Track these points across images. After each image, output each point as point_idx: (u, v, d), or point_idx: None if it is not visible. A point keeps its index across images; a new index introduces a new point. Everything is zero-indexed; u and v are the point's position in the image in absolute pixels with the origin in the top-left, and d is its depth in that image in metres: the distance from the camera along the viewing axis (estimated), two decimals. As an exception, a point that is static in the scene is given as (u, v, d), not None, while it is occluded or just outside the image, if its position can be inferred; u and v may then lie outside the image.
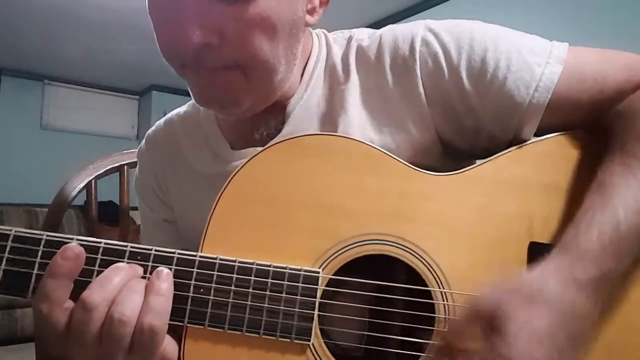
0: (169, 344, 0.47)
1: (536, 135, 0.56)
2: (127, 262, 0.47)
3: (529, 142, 0.55)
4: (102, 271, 0.45)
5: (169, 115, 0.74)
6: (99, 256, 0.46)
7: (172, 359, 0.47)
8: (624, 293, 0.49)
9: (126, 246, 0.47)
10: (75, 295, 0.44)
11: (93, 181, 0.98)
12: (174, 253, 0.47)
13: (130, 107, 4.94)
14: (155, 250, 0.47)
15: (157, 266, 0.47)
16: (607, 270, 0.43)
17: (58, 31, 3.45)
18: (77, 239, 0.46)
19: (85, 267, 0.45)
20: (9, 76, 4.27)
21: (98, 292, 0.43)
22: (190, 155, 0.68)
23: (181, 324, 0.47)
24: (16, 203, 3.70)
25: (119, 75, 4.43)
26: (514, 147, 0.54)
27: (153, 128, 0.75)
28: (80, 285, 0.44)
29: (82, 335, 0.42)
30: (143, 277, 0.46)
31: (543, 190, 0.52)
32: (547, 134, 0.55)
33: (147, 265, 0.47)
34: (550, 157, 0.53)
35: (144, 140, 0.75)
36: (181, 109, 0.74)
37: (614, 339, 0.48)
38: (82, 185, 0.97)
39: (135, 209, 0.80)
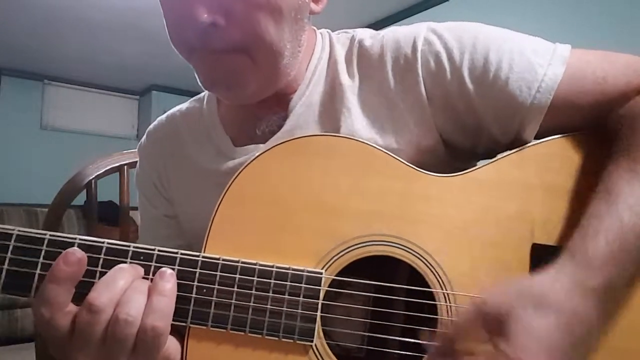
0: (171, 345, 0.47)
1: (537, 137, 0.56)
2: (130, 262, 0.46)
3: (531, 144, 0.54)
4: (104, 272, 0.45)
5: (170, 111, 0.75)
6: (102, 256, 0.46)
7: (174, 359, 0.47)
8: (627, 298, 0.49)
9: (129, 246, 0.47)
10: (77, 295, 0.44)
11: (93, 181, 0.98)
12: (176, 253, 0.47)
13: (130, 107, 4.93)
14: (159, 251, 0.47)
15: (160, 266, 0.47)
16: (613, 278, 0.43)
17: (58, 31, 3.45)
18: (80, 239, 0.46)
19: (88, 267, 0.45)
20: (9, 76, 4.26)
21: (105, 294, 0.43)
22: (192, 151, 0.68)
23: (184, 324, 0.47)
24: (16, 203, 3.69)
25: (119, 75, 4.42)
26: (516, 149, 0.54)
27: (154, 123, 0.75)
28: (81, 286, 0.44)
29: (87, 338, 0.42)
30: (145, 278, 0.46)
31: (545, 193, 0.52)
32: (548, 136, 0.54)
33: (150, 266, 0.47)
34: (553, 159, 0.53)
35: (145, 136, 0.75)
36: (183, 106, 0.74)
37: (618, 344, 0.48)
38: (82, 185, 0.97)
39: (136, 209, 0.80)
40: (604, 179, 0.48)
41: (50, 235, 0.46)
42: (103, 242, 0.47)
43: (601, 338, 0.44)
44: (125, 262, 0.46)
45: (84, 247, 0.46)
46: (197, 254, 0.48)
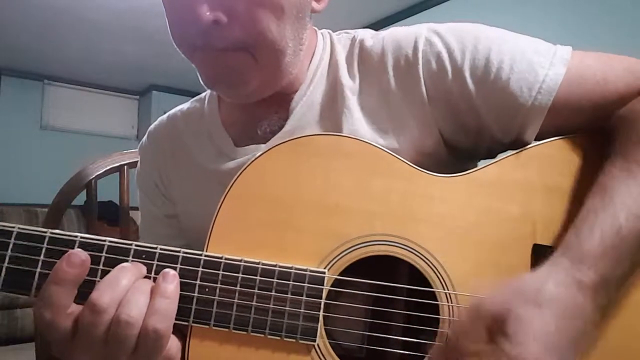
0: (173, 345, 0.47)
1: (538, 139, 0.56)
2: (132, 261, 0.46)
3: (533, 144, 0.54)
4: (106, 270, 0.45)
5: (171, 112, 0.75)
6: (104, 254, 0.46)
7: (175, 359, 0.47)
8: (626, 297, 0.49)
9: (131, 244, 0.47)
10: (78, 294, 0.43)
11: (93, 181, 0.98)
12: (179, 252, 0.47)
13: (130, 107, 4.94)
14: (161, 249, 0.47)
15: (163, 265, 0.46)
16: (607, 274, 0.43)
17: (58, 31, 3.45)
18: (81, 237, 0.46)
19: (90, 266, 0.45)
20: (9, 76, 4.26)
21: (108, 294, 0.42)
22: (193, 151, 0.68)
23: (186, 323, 0.46)
24: (16, 203, 3.69)
25: (119, 75, 4.42)
26: (518, 150, 0.54)
27: (156, 123, 0.75)
28: (82, 284, 0.44)
29: (90, 338, 0.42)
30: (147, 277, 0.46)
31: (547, 193, 0.52)
32: (548, 137, 0.54)
33: (152, 264, 0.46)
34: (555, 160, 0.53)
35: (146, 135, 0.75)
36: (184, 106, 0.74)
37: (617, 343, 0.48)
38: (82, 185, 0.97)
39: (136, 209, 0.80)
40: (599, 177, 0.48)
41: (51, 233, 0.45)
42: (104, 240, 0.46)
43: (597, 334, 0.44)
44: (127, 261, 0.46)
45: (85, 245, 0.46)
46: (200, 252, 0.47)
